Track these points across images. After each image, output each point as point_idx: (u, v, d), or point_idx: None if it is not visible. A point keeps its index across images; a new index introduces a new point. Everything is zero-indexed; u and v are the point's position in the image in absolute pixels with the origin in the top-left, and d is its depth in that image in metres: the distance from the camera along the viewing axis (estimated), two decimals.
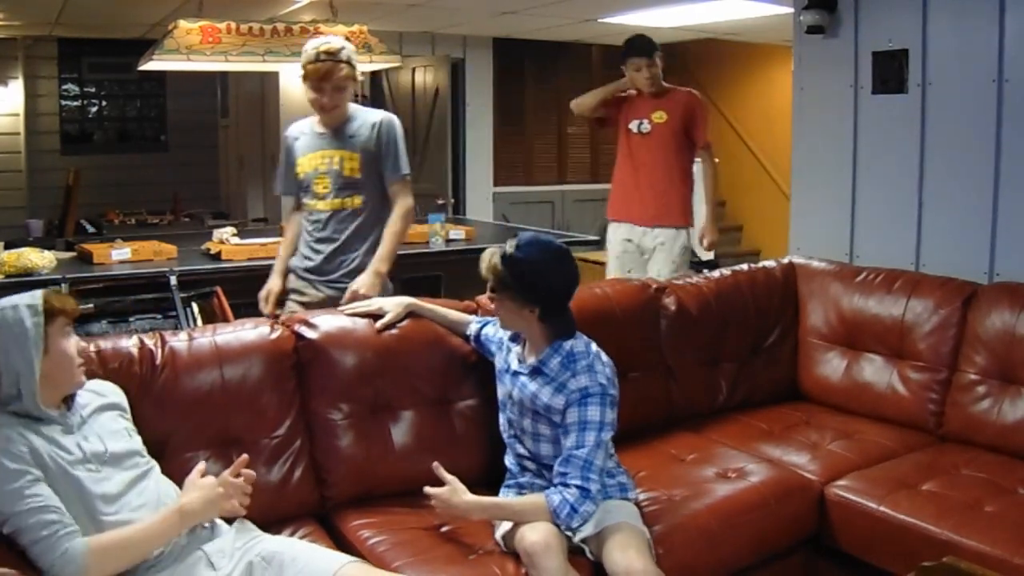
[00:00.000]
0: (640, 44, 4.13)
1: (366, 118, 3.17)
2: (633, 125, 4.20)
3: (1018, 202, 3.22)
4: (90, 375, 2.12)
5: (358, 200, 3.16)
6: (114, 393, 2.06)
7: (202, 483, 1.95)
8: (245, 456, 2.03)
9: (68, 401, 1.91)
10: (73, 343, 1.91)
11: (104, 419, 1.96)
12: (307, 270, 3.23)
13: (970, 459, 2.68)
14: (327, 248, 3.18)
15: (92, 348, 2.19)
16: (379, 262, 3.10)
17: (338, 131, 3.15)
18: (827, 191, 3.90)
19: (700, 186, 4.40)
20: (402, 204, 3.18)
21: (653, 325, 3.01)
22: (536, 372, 2.25)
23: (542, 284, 2.20)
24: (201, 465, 2.01)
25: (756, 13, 5.93)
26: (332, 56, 3.02)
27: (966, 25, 3.33)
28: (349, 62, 3.07)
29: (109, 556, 1.76)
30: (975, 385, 2.85)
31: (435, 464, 2.15)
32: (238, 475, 1.99)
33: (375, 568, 1.93)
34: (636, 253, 4.24)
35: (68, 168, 7.65)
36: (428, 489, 2.11)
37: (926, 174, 3.51)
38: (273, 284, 3.31)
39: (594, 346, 2.29)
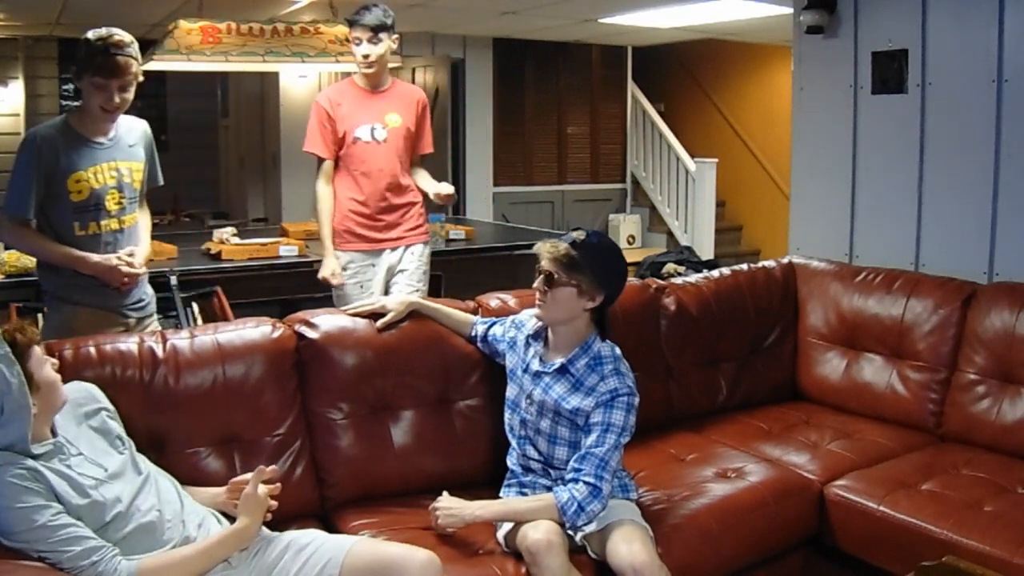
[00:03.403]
0: (371, 12, 3.42)
1: (130, 124, 2.84)
2: (362, 132, 3.50)
3: (1018, 202, 3.23)
4: (93, 376, 2.12)
5: (137, 214, 2.87)
6: (90, 395, 2.00)
7: (258, 502, 1.94)
8: (261, 468, 2.01)
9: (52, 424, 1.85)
10: (50, 365, 1.84)
11: (92, 431, 1.91)
12: (108, 298, 2.75)
13: (970, 459, 2.68)
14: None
15: (91, 346, 2.19)
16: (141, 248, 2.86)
17: (115, 139, 2.77)
18: (827, 191, 3.90)
19: (702, 188, 4.18)
20: (148, 210, 3.01)
21: (653, 325, 3.01)
22: (562, 371, 2.26)
23: (615, 273, 2.27)
24: (260, 487, 1.98)
25: (756, 13, 5.94)
26: (121, 49, 2.63)
27: (966, 25, 3.33)
28: (138, 59, 2.71)
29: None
30: (975, 385, 2.85)
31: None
32: (267, 480, 2.00)
33: (384, 542, 1.98)
34: (382, 281, 3.59)
35: None
36: (433, 506, 2.16)
37: (926, 174, 3.51)
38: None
39: (618, 350, 2.30)
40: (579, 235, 2.25)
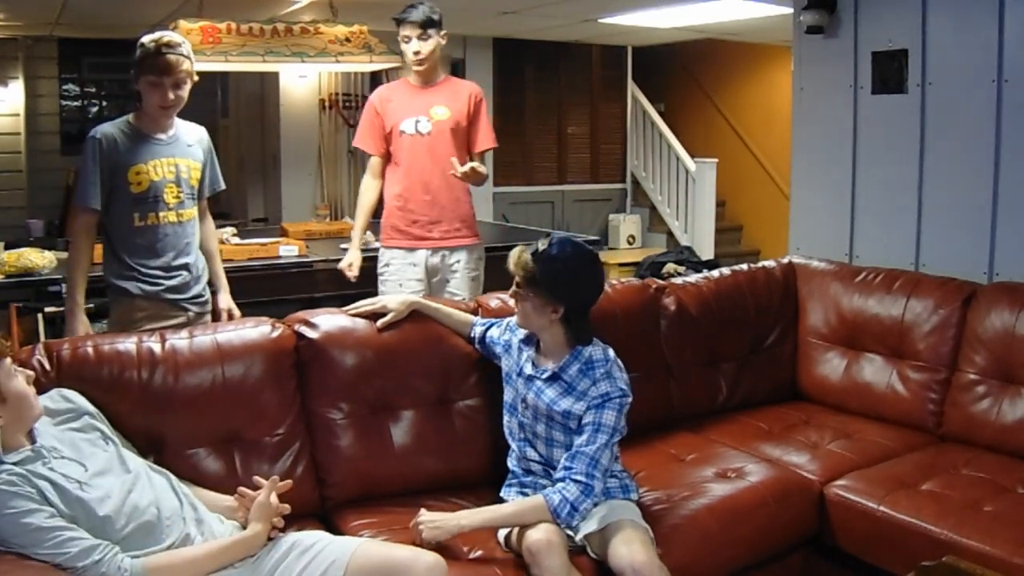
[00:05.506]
0: (417, 9, 3.42)
1: (189, 127, 3.01)
2: (406, 125, 3.51)
3: (1018, 202, 3.23)
4: (91, 376, 2.11)
5: (195, 211, 3.01)
6: (69, 401, 1.98)
7: (270, 511, 1.96)
8: (275, 479, 2.03)
9: (30, 432, 1.84)
10: (22, 378, 1.82)
11: (72, 435, 1.90)
12: (169, 290, 2.91)
13: (970, 459, 2.68)
14: (185, 260, 2.96)
15: (89, 347, 2.18)
16: (225, 285, 3.17)
17: (174, 136, 2.92)
18: (827, 191, 3.90)
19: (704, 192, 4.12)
20: (210, 219, 3.19)
21: (653, 325, 3.01)
22: (554, 378, 2.26)
23: (571, 285, 2.22)
24: (271, 497, 1.99)
25: (756, 13, 5.94)
26: (172, 48, 2.76)
27: (966, 25, 3.33)
28: (190, 57, 2.82)
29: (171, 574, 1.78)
30: (975, 385, 2.85)
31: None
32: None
33: (390, 544, 1.98)
34: (423, 280, 3.56)
35: (68, 168, 7.64)
36: (415, 522, 2.10)
37: (926, 174, 3.51)
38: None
39: (611, 352, 2.30)
40: (542, 244, 2.23)
